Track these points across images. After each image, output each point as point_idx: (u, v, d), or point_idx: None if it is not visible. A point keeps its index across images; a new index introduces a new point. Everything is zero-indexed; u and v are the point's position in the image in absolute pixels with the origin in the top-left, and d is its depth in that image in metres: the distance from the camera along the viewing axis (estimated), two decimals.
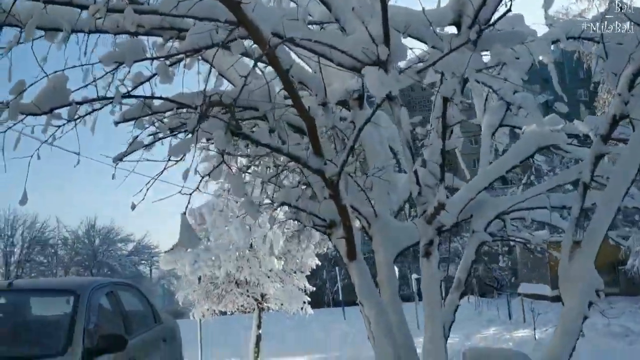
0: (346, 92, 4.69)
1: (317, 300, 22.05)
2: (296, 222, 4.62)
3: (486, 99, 5.77)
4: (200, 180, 3.40)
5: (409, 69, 3.94)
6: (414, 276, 22.79)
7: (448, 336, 5.07)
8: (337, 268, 29.39)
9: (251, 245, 13.15)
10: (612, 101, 3.71)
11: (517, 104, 5.55)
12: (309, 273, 15.05)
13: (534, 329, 17.24)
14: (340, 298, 28.68)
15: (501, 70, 5.82)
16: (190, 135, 3.22)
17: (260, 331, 15.60)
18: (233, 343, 17.61)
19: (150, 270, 25.19)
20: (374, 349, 4.55)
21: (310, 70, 4.97)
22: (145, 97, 3.51)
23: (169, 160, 3.29)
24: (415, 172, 4.01)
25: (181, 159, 3.36)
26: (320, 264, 16.92)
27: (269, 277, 14.47)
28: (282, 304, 15.32)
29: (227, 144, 3.31)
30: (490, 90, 5.58)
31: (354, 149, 4.04)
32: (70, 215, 69.80)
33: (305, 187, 4.30)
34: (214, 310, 15.37)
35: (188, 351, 16.31)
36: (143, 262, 31.62)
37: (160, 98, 3.49)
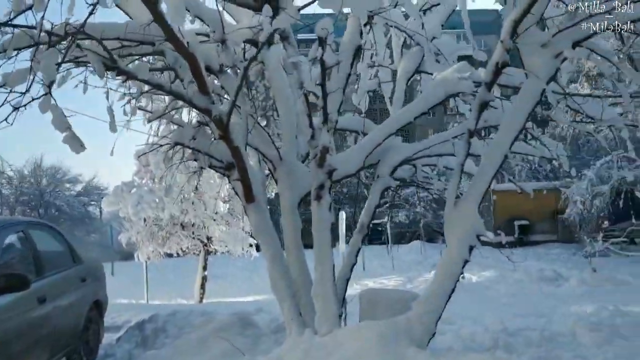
0: (251, 31, 4.57)
1: None
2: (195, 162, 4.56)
3: (402, 45, 5.73)
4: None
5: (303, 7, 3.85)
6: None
7: (349, 278, 5.22)
8: None
9: (196, 188, 13.08)
10: (496, 48, 3.72)
11: (434, 51, 5.53)
12: None
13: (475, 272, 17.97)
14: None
15: (424, 15, 5.76)
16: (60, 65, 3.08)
17: (206, 273, 15.78)
18: (179, 284, 17.78)
19: (100, 212, 24.83)
20: (272, 291, 4.64)
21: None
22: (16, 26, 3.32)
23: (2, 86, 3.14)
24: (309, 116, 3.99)
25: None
26: (269, 207, 17.08)
27: (214, 220, 14.49)
28: (227, 247, 15.44)
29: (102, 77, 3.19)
30: (407, 35, 5.52)
31: (248, 89, 3.97)
32: (14, 153, 67.57)
33: (199, 126, 4.23)
34: (159, 252, 15.39)
35: (134, 292, 16.43)
36: (92, 202, 31.10)
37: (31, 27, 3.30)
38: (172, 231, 15.00)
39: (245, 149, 4.21)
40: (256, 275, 20.79)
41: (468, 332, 6.88)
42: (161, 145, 4.40)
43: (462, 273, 4.10)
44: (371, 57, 5.43)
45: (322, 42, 3.48)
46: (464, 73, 5.11)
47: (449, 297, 4.04)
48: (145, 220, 14.39)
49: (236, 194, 4.59)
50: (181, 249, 15.29)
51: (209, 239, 15.25)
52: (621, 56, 13.01)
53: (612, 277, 12.07)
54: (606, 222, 23.20)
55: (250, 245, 15.38)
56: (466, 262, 4.08)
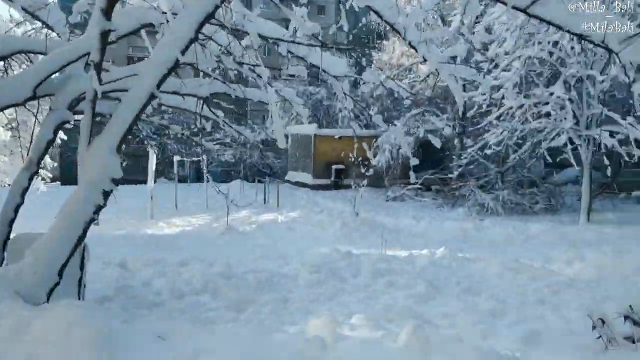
0: None
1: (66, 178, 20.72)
2: None
3: None
4: None
5: None
6: (176, 158, 22.53)
7: (14, 219, 4.72)
8: None
9: None
10: None
11: None
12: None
13: (283, 213, 18.42)
14: None
15: None
16: None
17: None
18: None
19: None
20: None
21: None
22: None
23: None
24: None
25: None
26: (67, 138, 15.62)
27: None
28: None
29: None
30: None
31: None
32: None
33: None
34: None
35: None
36: None
37: None
38: None
39: None
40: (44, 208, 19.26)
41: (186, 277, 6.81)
42: None
43: (94, 219, 3.81)
44: None
45: None
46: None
47: (77, 244, 3.74)
48: None
49: None
50: None
51: None
52: None
53: (372, 220, 13.00)
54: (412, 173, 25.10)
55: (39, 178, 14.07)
56: (100, 207, 3.78)
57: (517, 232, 12.21)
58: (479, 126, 18.62)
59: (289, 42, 5.52)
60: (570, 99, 15.54)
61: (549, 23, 3.93)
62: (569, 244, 10.55)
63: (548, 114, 16.16)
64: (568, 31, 3.91)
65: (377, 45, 31.40)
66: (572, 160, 15.20)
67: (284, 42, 5.73)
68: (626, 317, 5.09)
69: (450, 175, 21.28)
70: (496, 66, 16.78)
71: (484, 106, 17.10)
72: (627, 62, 3.57)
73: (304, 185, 28.23)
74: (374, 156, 25.27)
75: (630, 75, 3.53)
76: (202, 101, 5.70)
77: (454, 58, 6.27)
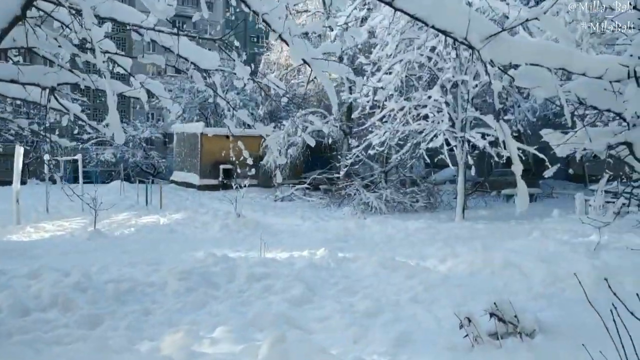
0: None
1: None
2: None
3: None
4: None
5: None
6: (47, 157, 20.64)
7: None
8: None
9: None
10: None
11: None
12: None
13: (166, 215, 17.44)
14: None
15: None
16: None
17: None
18: None
19: None
20: None
21: None
22: None
23: None
24: None
25: None
26: None
27: None
28: None
29: None
30: None
31: None
32: None
33: None
34: None
35: None
36: None
37: None
38: None
39: None
40: None
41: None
42: None
43: None
44: None
45: None
46: None
47: None
48: None
49: None
50: None
51: None
52: None
53: (255, 220, 12.70)
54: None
55: None
56: None
57: (396, 230, 12.49)
58: (363, 127, 19.01)
59: (148, 29, 5.02)
60: (446, 102, 16.28)
61: (413, 17, 3.83)
62: (444, 241, 10.92)
63: (427, 117, 16.83)
64: (432, 26, 3.84)
65: (265, 45, 31.10)
66: (448, 161, 15.91)
67: (144, 29, 5.23)
68: (492, 315, 5.21)
69: (337, 175, 21.54)
70: (379, 69, 17.20)
71: (367, 108, 17.46)
72: (488, 59, 3.55)
73: (190, 185, 27.23)
74: (262, 156, 25.07)
75: (491, 74, 3.51)
76: (47, 91, 5.01)
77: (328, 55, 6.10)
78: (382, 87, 16.63)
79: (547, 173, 4.64)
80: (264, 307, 6.17)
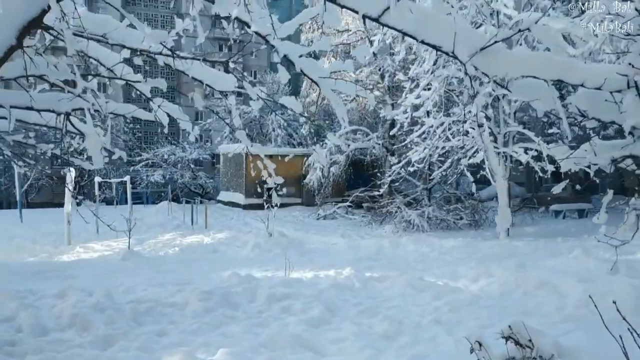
0: None
1: None
2: None
3: None
4: None
5: None
6: (97, 179, 21.54)
7: None
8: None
9: None
10: None
11: None
12: None
13: (210, 234, 17.77)
14: None
15: None
16: None
17: None
18: None
19: None
20: None
21: None
22: None
23: None
24: None
25: None
26: None
27: None
28: None
29: None
30: None
31: None
32: None
33: None
34: None
35: None
36: None
37: None
38: None
39: None
40: None
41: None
42: None
43: None
44: None
45: None
46: None
47: None
48: None
49: None
50: None
51: None
52: None
53: (288, 240, 12.67)
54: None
55: None
56: None
57: (430, 248, 12.19)
58: (403, 144, 18.80)
59: (156, 54, 5.16)
60: (487, 117, 15.88)
61: (402, 33, 3.76)
62: (479, 259, 10.57)
63: (467, 132, 16.47)
64: (422, 41, 3.76)
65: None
66: (490, 177, 15.47)
67: (152, 54, 5.39)
68: (507, 338, 4.95)
69: (379, 193, 21.34)
70: (417, 85, 17.02)
71: (406, 124, 17.29)
72: (473, 73, 3.43)
73: (236, 205, 27.64)
74: (306, 175, 25.19)
75: (475, 87, 3.38)
76: (64, 117, 5.22)
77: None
78: (420, 104, 16.47)
79: (556, 189, 4.40)
80: (279, 328, 6.13)
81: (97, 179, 21.42)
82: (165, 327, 5.86)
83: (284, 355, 5.27)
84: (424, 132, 17.23)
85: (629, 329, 2.31)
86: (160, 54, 5.10)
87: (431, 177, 19.68)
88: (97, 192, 21.50)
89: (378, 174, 21.65)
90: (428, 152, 17.04)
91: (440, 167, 18.49)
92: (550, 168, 14.54)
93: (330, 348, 5.60)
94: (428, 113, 17.00)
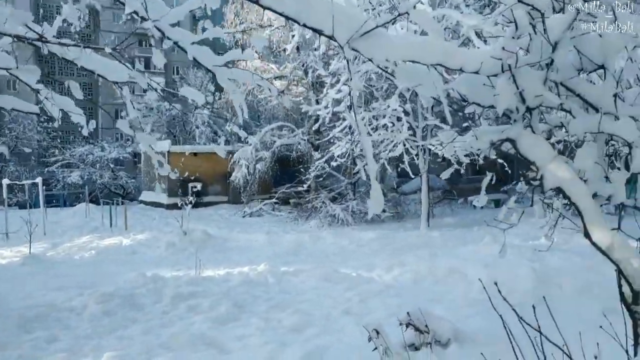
0: None
1: None
2: None
3: None
4: None
5: None
6: (5, 181, 20.14)
7: None
8: None
9: None
10: None
11: None
12: None
13: (130, 236, 17.02)
14: None
15: None
16: None
17: None
18: None
19: None
20: None
21: None
22: None
23: None
24: None
25: None
26: None
27: None
28: None
29: None
30: None
31: None
32: None
33: None
34: None
35: None
36: None
37: None
38: None
39: None
40: None
41: None
42: None
43: None
44: None
45: None
46: None
47: None
48: None
49: None
50: None
51: None
52: None
53: (201, 238, 12.37)
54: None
55: None
56: None
57: (350, 241, 12.27)
58: (326, 139, 18.86)
59: (34, 40, 4.77)
60: (405, 112, 16.18)
61: (284, 16, 3.64)
62: (394, 250, 10.73)
63: (386, 126, 16.73)
64: (304, 25, 3.67)
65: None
66: (409, 170, 15.80)
67: (40, 41, 5.00)
68: (407, 325, 5.00)
69: (304, 189, 21.31)
70: (338, 81, 17.10)
71: (327, 120, 17.35)
72: (351, 57, 3.38)
73: (159, 205, 26.78)
74: (231, 172, 24.75)
75: (352, 72, 3.33)
76: None
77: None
78: (341, 99, 16.55)
79: (444, 175, 4.46)
80: (184, 327, 5.90)
81: (6, 181, 20.06)
82: (57, 333, 5.48)
83: (185, 355, 5.06)
84: (345, 127, 17.36)
85: (512, 309, 2.32)
86: (26, 39, 4.71)
87: (354, 172, 19.88)
88: (4, 194, 20.14)
89: (303, 170, 21.63)
90: (350, 147, 17.17)
91: (363, 162, 18.71)
92: (465, 160, 15.07)
93: (235, 344, 5.44)
94: (349, 107, 17.13)
